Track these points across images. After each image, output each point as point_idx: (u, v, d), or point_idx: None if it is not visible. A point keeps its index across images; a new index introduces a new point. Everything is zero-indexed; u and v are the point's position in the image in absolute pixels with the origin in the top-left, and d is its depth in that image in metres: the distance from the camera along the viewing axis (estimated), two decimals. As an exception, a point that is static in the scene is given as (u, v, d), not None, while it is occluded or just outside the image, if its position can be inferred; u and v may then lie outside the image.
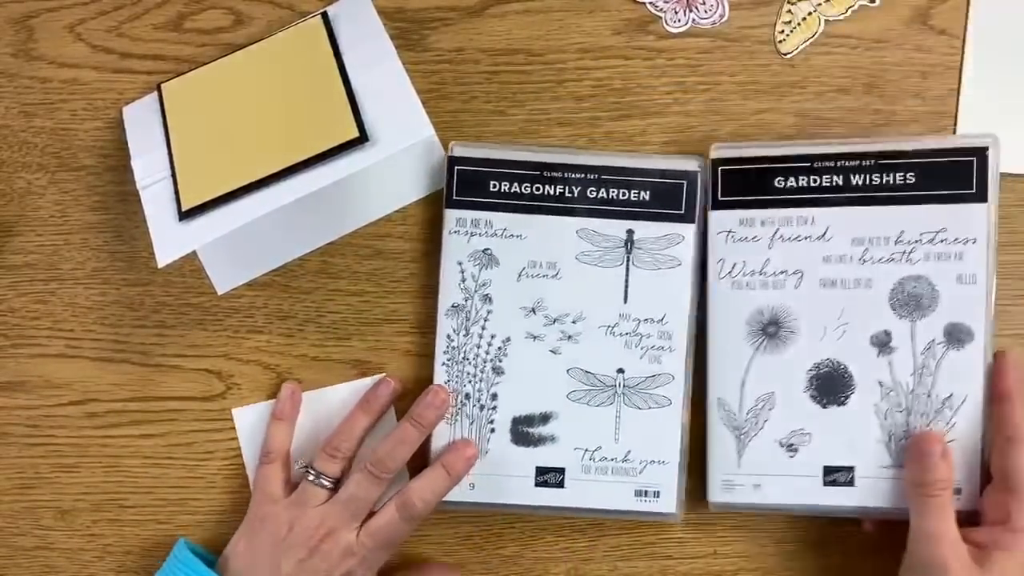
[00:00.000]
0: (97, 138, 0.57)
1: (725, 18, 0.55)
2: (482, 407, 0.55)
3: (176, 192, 0.53)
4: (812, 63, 0.55)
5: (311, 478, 0.53)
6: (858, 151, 0.52)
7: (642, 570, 0.57)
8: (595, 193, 0.54)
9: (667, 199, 0.54)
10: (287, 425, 0.56)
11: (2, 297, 0.57)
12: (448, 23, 0.56)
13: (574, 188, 0.54)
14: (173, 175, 0.54)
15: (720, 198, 0.53)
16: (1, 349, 0.57)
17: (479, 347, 0.54)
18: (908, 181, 0.51)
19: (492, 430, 0.54)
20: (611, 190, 0.54)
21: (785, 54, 0.55)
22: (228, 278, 0.57)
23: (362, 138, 0.51)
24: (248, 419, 0.57)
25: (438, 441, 0.55)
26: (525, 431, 0.54)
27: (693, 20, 0.55)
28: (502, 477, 0.54)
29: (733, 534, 0.57)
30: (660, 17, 0.55)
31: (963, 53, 0.55)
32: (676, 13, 0.55)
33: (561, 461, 0.54)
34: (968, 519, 0.50)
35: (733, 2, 0.55)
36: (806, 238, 0.52)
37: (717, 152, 0.53)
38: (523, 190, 0.54)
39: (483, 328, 0.54)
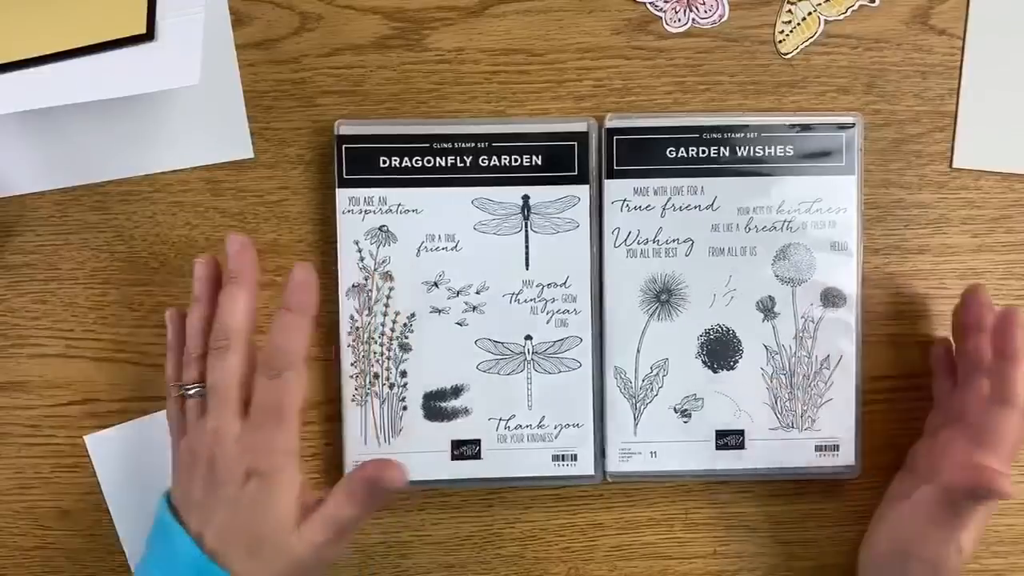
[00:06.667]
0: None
1: (725, 18, 0.55)
2: (392, 385, 0.55)
3: None
4: (812, 63, 0.55)
5: (191, 393, 0.47)
6: (741, 123, 0.54)
7: (642, 570, 0.57)
8: (487, 161, 0.54)
9: (560, 162, 0.54)
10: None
11: (1, 297, 0.57)
12: (448, 23, 0.56)
13: (466, 158, 0.54)
14: None
15: (615, 167, 0.54)
16: (1, 349, 0.57)
17: (384, 325, 0.54)
18: (787, 153, 0.54)
19: (404, 408, 0.54)
20: (503, 157, 0.54)
21: (785, 54, 0.55)
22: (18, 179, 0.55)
23: (148, 36, 0.48)
24: (103, 445, 0.56)
25: (351, 430, 0.54)
26: (437, 406, 0.54)
27: (693, 20, 0.55)
28: (418, 454, 0.54)
29: (733, 534, 0.57)
30: (660, 17, 0.55)
31: (963, 53, 0.55)
32: (676, 13, 0.55)
33: (476, 432, 0.54)
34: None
35: (733, 2, 0.55)
36: (696, 207, 0.54)
37: (612, 122, 0.54)
38: (414, 164, 0.54)
39: (386, 306, 0.54)
